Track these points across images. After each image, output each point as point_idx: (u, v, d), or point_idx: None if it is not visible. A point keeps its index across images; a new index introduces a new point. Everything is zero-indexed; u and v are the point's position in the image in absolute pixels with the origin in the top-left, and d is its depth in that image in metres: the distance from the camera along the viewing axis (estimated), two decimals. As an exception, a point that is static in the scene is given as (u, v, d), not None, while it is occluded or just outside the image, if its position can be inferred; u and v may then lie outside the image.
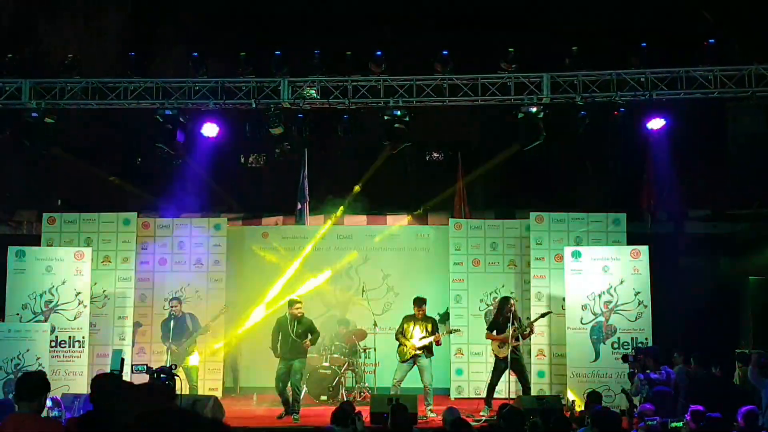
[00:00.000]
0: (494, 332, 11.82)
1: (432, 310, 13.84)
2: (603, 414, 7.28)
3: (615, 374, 11.89)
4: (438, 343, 11.96)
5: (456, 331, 12.69)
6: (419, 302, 11.91)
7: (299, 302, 11.98)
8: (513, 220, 14.36)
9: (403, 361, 11.79)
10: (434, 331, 11.81)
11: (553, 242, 13.26)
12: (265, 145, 16.13)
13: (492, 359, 12.04)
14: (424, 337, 11.68)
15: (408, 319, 11.94)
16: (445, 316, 13.87)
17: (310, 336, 11.69)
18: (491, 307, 13.23)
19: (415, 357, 11.70)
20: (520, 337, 11.70)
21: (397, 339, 11.96)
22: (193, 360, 12.16)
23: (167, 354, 11.97)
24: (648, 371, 10.19)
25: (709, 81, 11.75)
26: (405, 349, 11.74)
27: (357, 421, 7.15)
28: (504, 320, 11.63)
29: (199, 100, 12.30)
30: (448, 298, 13.81)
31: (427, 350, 11.78)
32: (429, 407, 11.43)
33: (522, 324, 11.93)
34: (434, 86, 12.16)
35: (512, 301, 11.84)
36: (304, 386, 12.29)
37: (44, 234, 13.52)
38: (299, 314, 11.74)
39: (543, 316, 12.28)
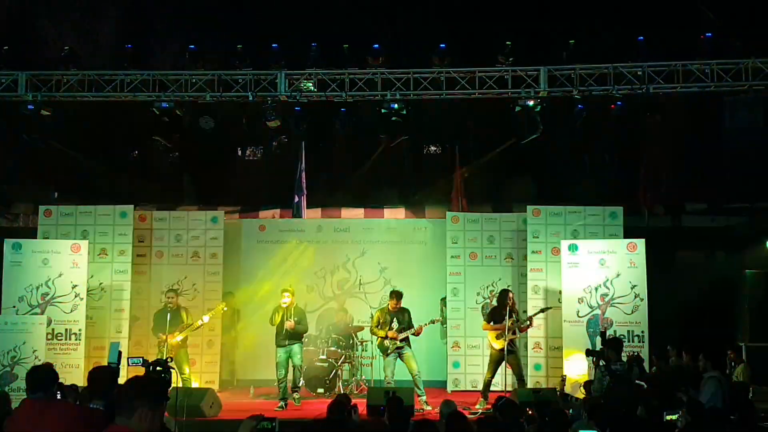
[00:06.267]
0: (492, 323, 11.78)
1: (430, 301, 13.90)
2: (597, 405, 7.29)
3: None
4: (417, 334, 11.78)
5: (438, 321, 12.54)
6: (397, 296, 11.77)
7: (286, 290, 11.95)
8: (510, 213, 14.34)
9: (387, 356, 11.70)
10: (411, 322, 11.73)
11: (550, 235, 13.25)
12: (262, 138, 16.15)
13: (488, 352, 12.04)
14: (403, 329, 11.60)
15: (382, 312, 11.86)
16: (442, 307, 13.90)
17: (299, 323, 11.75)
18: (488, 300, 13.26)
19: (398, 349, 11.63)
20: (518, 330, 11.67)
21: (373, 333, 11.93)
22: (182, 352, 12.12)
23: (162, 346, 11.91)
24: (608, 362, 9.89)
25: (706, 74, 11.76)
26: (387, 342, 11.64)
27: (353, 413, 7.14)
28: (504, 312, 11.60)
29: (196, 92, 12.29)
30: (445, 291, 13.82)
31: (407, 342, 11.71)
32: (422, 398, 11.36)
33: (520, 317, 11.92)
34: (432, 79, 12.16)
35: (511, 294, 11.82)
36: (302, 379, 12.31)
37: (41, 226, 13.48)
38: (287, 303, 11.77)
39: (543, 311, 12.28)
